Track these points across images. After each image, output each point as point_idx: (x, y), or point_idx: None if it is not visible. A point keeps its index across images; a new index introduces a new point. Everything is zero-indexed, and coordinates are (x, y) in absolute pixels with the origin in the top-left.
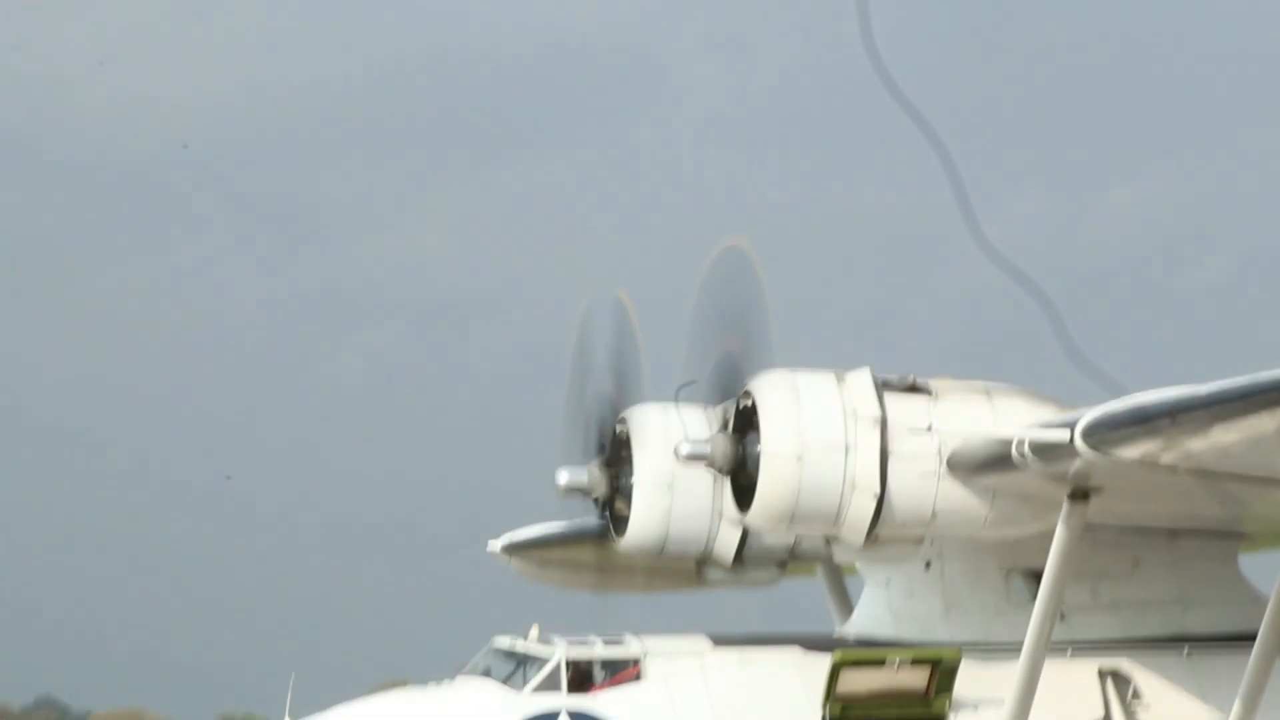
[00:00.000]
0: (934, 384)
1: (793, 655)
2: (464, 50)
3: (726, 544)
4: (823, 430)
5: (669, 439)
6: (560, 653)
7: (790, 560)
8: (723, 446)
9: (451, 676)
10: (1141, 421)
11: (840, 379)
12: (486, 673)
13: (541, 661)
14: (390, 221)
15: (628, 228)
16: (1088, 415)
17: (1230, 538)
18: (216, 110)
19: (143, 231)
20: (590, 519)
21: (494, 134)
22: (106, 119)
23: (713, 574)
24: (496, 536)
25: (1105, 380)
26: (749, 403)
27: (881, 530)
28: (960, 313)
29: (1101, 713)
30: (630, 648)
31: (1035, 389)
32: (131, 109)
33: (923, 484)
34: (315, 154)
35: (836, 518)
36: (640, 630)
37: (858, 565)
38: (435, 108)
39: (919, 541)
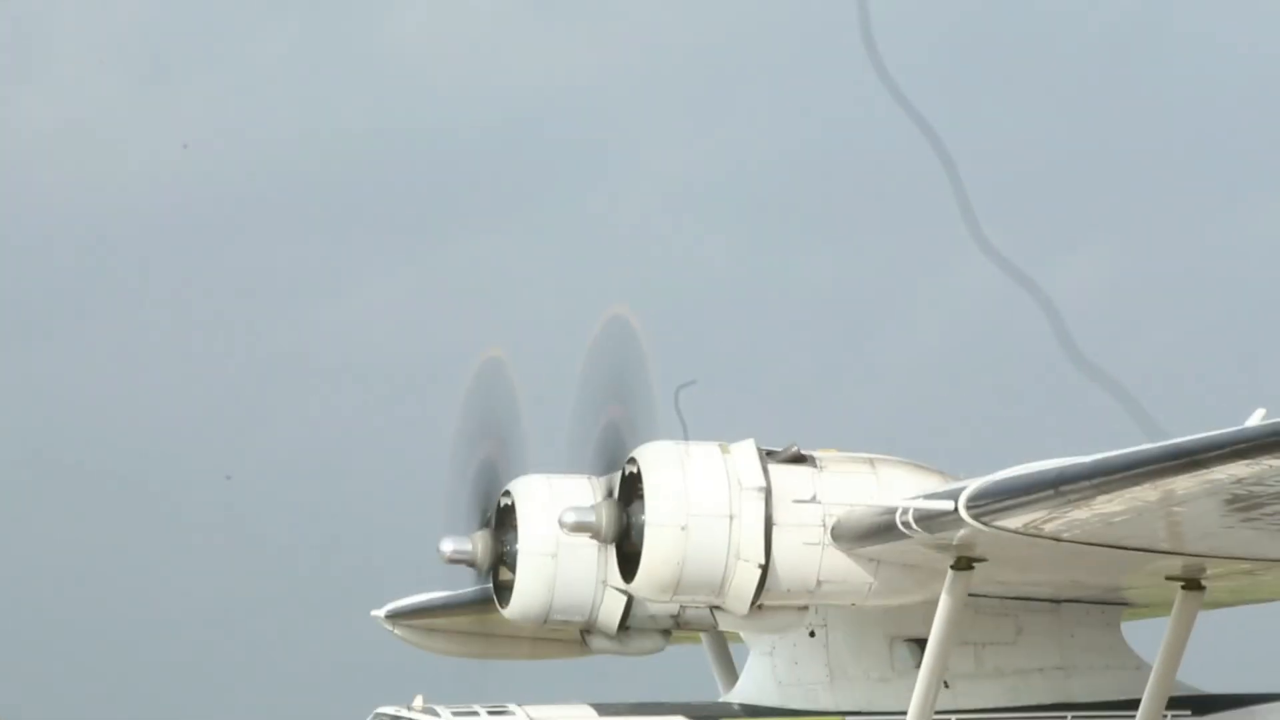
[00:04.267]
0: (818, 454)
1: None
2: (421, 122)
3: (611, 612)
4: (707, 500)
5: (553, 508)
6: None
7: (675, 628)
8: (607, 515)
9: None
10: (1024, 492)
11: (725, 449)
12: None
13: None
14: (330, 293)
15: (572, 298)
16: (971, 486)
17: (1113, 606)
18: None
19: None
20: (474, 587)
21: (456, 204)
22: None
23: (597, 642)
24: (380, 604)
25: (1106, 381)
26: (634, 471)
27: (766, 599)
28: (960, 312)
29: None
30: (514, 716)
31: (920, 460)
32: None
33: (807, 553)
34: (262, 222)
35: (721, 587)
36: (524, 699)
37: (742, 633)
38: (389, 179)
39: (803, 610)
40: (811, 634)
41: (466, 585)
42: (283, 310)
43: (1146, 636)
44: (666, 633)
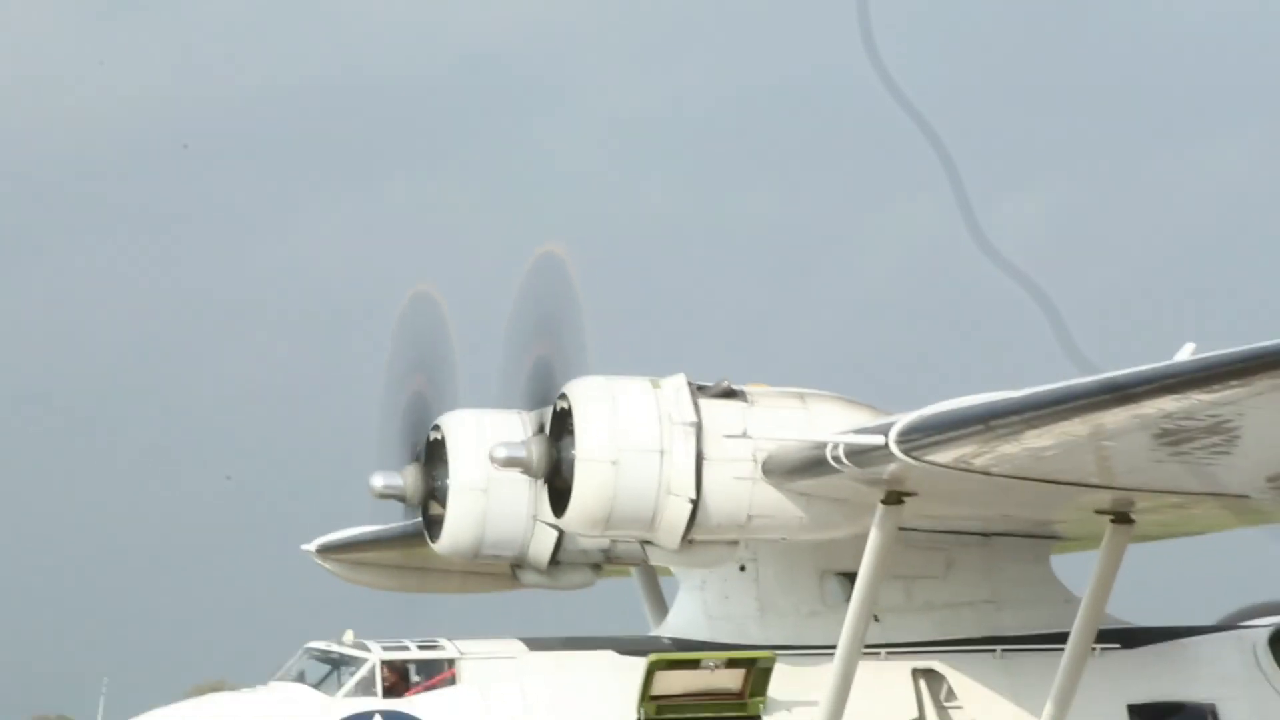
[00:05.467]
0: (749, 389)
1: (607, 658)
2: (366, 61)
3: (542, 547)
4: (638, 435)
5: (484, 443)
6: (375, 656)
7: (605, 563)
8: (538, 450)
9: (265, 680)
10: (955, 426)
11: (655, 384)
12: (300, 677)
13: (356, 665)
14: (273, 230)
15: (510, 238)
16: (902, 420)
17: (1042, 539)
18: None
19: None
20: (405, 522)
21: (400, 141)
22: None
23: (528, 576)
24: (310, 538)
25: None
26: (564, 407)
27: (696, 534)
28: (899, 252)
29: (915, 713)
30: (445, 651)
31: (854, 396)
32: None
33: (737, 488)
34: (208, 160)
35: (652, 522)
36: (455, 633)
37: (673, 568)
38: (337, 117)
39: (734, 545)
40: (742, 568)
41: (397, 519)
42: (223, 245)
43: (1076, 570)
44: (597, 567)
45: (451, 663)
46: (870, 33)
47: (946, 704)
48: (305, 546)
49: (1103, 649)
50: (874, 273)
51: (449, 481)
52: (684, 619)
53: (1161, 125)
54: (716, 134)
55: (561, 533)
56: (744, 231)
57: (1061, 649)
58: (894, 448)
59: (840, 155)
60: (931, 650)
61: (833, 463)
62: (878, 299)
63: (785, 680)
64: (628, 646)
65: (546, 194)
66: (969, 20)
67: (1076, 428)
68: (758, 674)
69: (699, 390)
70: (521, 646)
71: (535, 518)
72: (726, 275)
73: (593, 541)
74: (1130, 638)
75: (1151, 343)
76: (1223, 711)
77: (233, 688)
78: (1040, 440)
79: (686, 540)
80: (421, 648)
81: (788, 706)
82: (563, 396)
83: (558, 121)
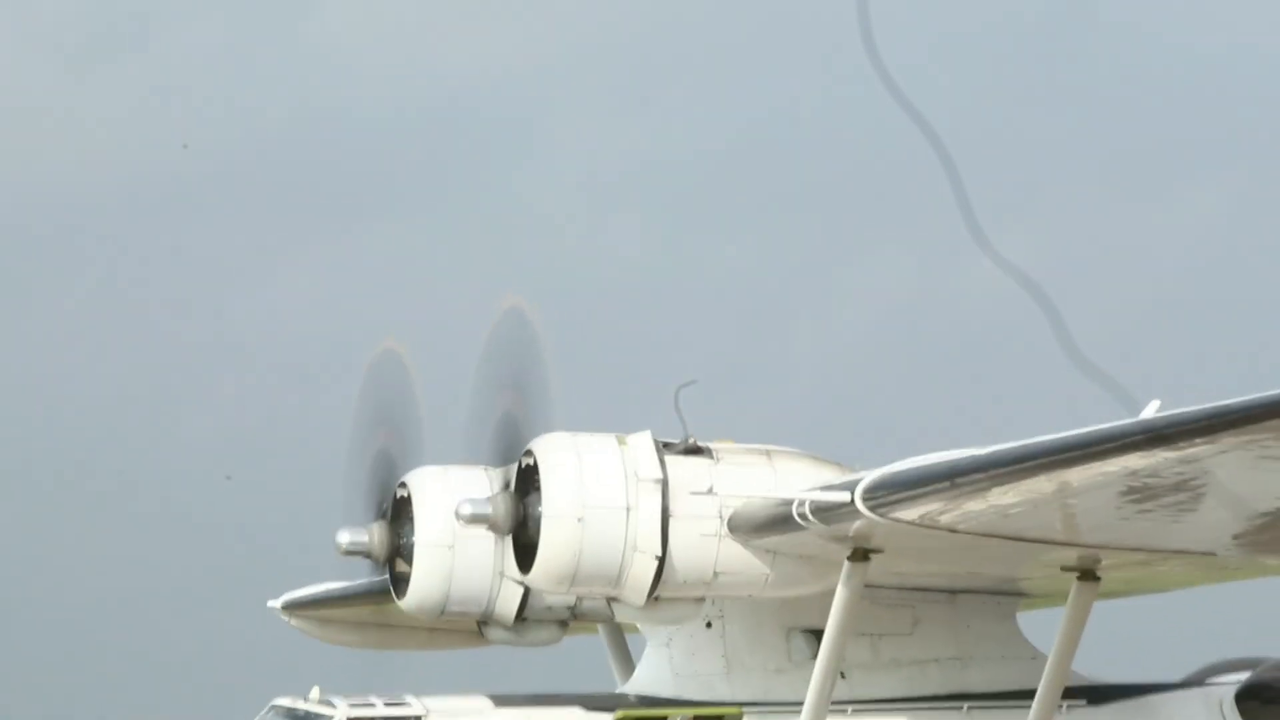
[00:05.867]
0: (715, 446)
1: (574, 715)
2: (342, 107)
3: (508, 603)
4: (604, 492)
5: (450, 499)
6: (341, 713)
7: (572, 619)
8: (504, 507)
9: None
10: (920, 484)
11: (621, 441)
12: None
13: None
14: (250, 279)
15: (481, 288)
16: (868, 477)
17: (1009, 596)
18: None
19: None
20: (371, 578)
21: (372, 192)
22: None
23: (494, 633)
24: (276, 595)
25: (1106, 381)
26: (530, 463)
27: (663, 591)
28: (874, 306)
29: None
30: (411, 708)
31: (817, 452)
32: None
33: (704, 545)
34: (183, 207)
35: (618, 579)
36: (421, 690)
37: (639, 625)
38: (312, 165)
39: (700, 601)
40: (708, 625)
41: (363, 576)
42: (197, 295)
43: (1042, 627)
44: (564, 624)
45: (418, 719)
46: (869, 32)
47: None
48: (271, 603)
49: (1069, 706)
50: (847, 330)
51: (415, 538)
52: (650, 676)
53: (1132, 179)
54: (693, 184)
55: (528, 589)
56: (714, 286)
57: (1028, 706)
58: (860, 504)
59: (818, 207)
60: (899, 707)
61: (799, 519)
62: (850, 356)
63: None
64: (594, 703)
65: (518, 244)
66: (966, 50)
67: (1042, 485)
68: None
69: (665, 447)
70: (488, 703)
71: (501, 574)
72: (696, 329)
73: (559, 598)
74: (1097, 694)
75: (1134, 383)
76: None
77: None
78: (1006, 497)
79: (653, 597)
80: (388, 704)
81: None
82: (528, 452)
83: (531, 170)
